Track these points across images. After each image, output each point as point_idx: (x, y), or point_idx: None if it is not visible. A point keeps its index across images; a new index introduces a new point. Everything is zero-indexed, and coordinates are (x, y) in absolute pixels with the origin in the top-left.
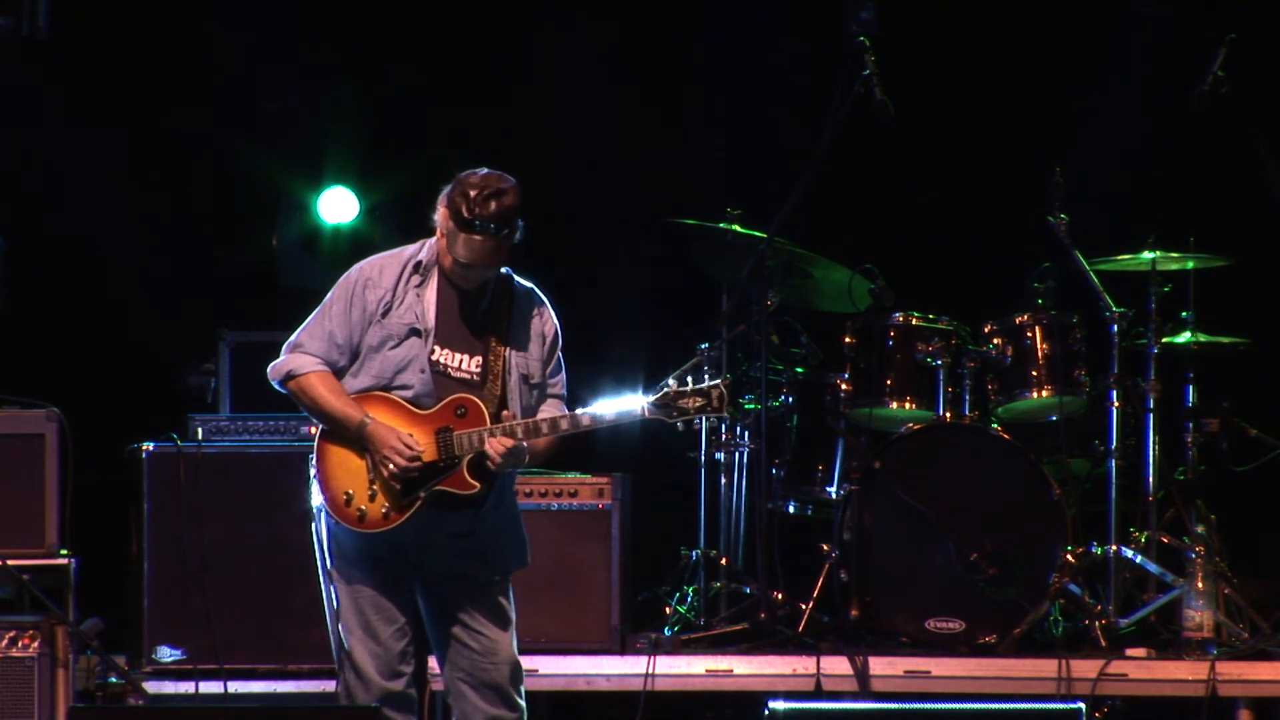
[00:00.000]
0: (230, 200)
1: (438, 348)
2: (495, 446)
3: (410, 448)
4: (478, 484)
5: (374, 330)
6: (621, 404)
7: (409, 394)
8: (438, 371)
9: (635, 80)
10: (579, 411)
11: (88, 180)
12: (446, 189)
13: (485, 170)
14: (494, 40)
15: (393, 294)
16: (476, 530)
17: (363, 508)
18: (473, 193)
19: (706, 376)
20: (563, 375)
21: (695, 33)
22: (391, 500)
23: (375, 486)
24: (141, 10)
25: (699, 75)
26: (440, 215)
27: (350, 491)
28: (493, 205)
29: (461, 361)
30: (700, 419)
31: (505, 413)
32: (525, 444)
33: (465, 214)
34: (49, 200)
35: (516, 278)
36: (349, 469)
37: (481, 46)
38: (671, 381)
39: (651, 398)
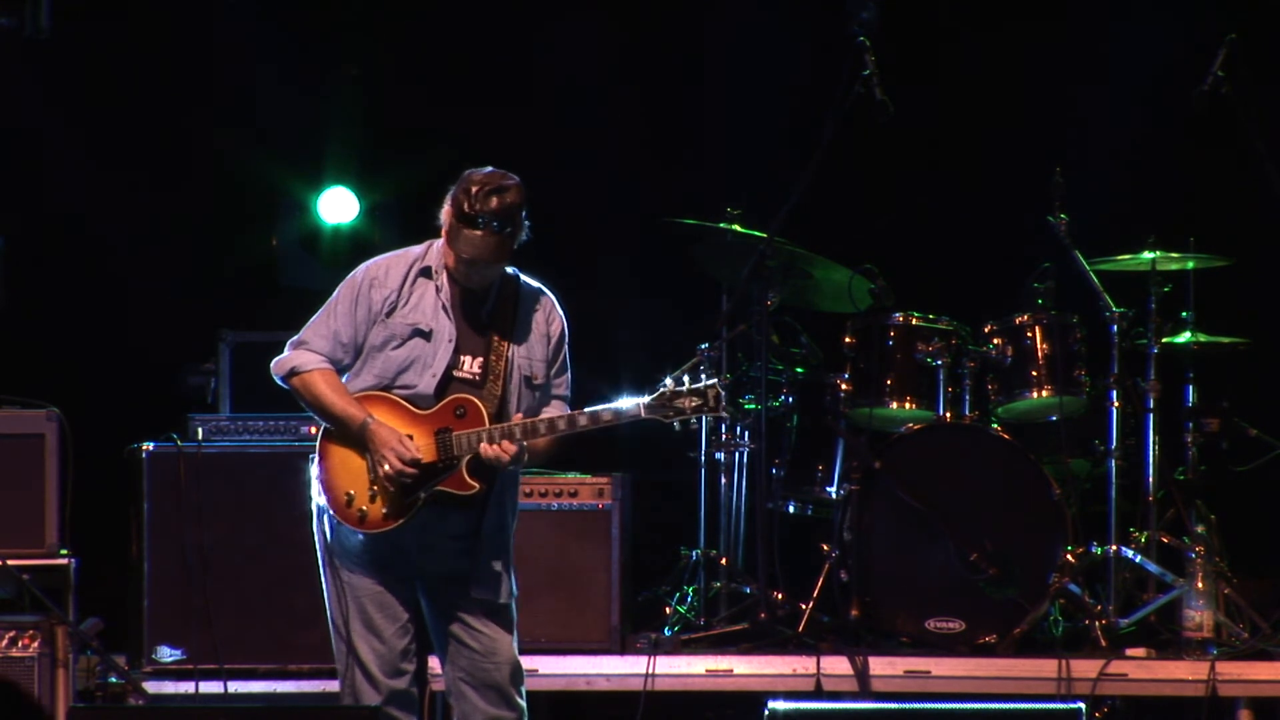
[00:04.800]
0: (230, 200)
1: (463, 356)
2: (491, 451)
3: (408, 450)
4: (477, 484)
5: (378, 329)
6: (618, 404)
7: (409, 393)
8: (446, 374)
9: (636, 80)
10: (576, 412)
11: (88, 180)
12: (452, 187)
13: (490, 168)
14: (494, 40)
15: (398, 294)
16: (480, 532)
17: (364, 508)
18: (474, 189)
19: (704, 376)
20: (568, 376)
21: (695, 32)
22: (392, 501)
23: (376, 487)
24: (142, 10)
25: (699, 75)
26: (445, 212)
27: (351, 492)
28: (494, 201)
29: (464, 361)
30: (697, 419)
31: (516, 415)
32: (525, 444)
33: (466, 209)
34: (49, 200)
35: (524, 277)
36: (350, 469)
37: (482, 46)
38: (668, 381)
39: (648, 398)
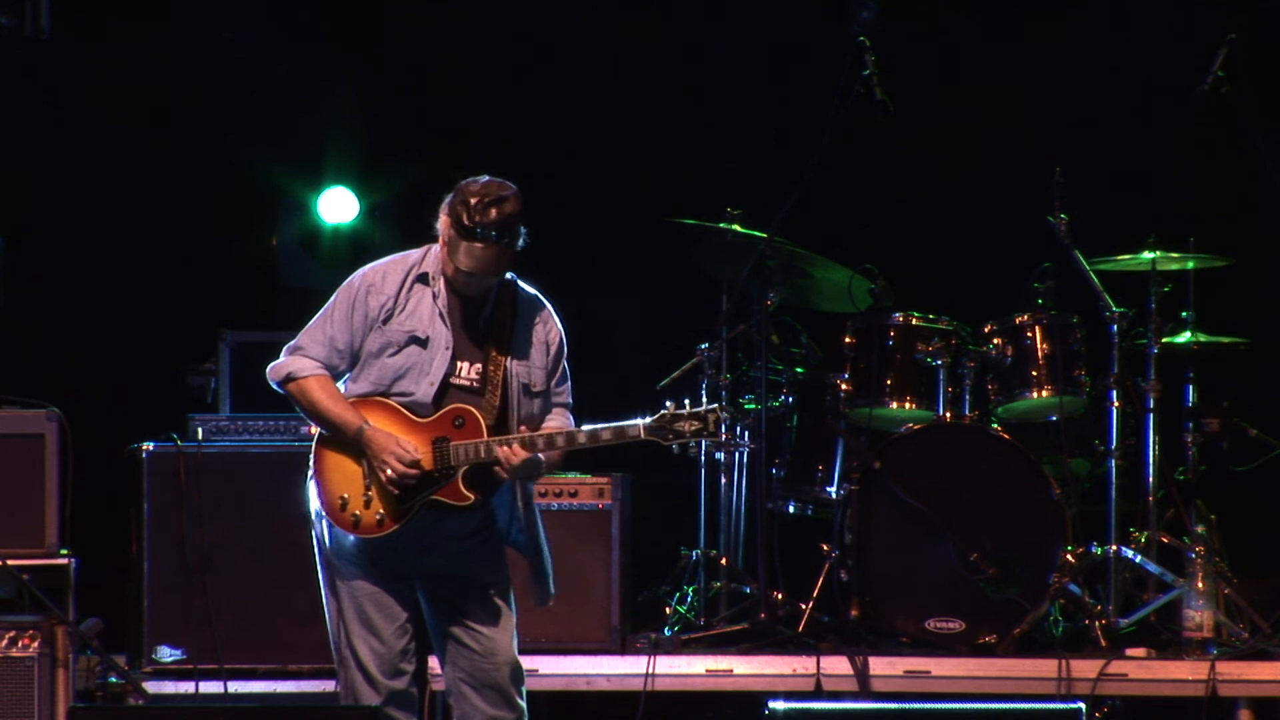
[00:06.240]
0: (230, 200)
1: (460, 363)
2: (509, 454)
3: (408, 452)
4: (472, 495)
5: (374, 336)
6: (619, 424)
7: (407, 400)
8: (443, 382)
9: (636, 80)
10: (576, 430)
11: (88, 180)
12: (448, 197)
13: (486, 178)
14: (494, 40)
15: (395, 300)
16: (489, 534)
17: (358, 513)
18: (473, 200)
19: (704, 392)
20: (569, 384)
21: (695, 32)
22: (387, 507)
23: (371, 493)
24: (142, 11)
25: (699, 75)
26: (442, 223)
27: (346, 496)
28: (493, 212)
29: (462, 369)
30: (696, 442)
31: (522, 429)
32: (541, 457)
33: (466, 222)
34: (49, 200)
35: (521, 284)
36: (345, 474)
37: (481, 46)
38: (669, 404)
39: (648, 420)
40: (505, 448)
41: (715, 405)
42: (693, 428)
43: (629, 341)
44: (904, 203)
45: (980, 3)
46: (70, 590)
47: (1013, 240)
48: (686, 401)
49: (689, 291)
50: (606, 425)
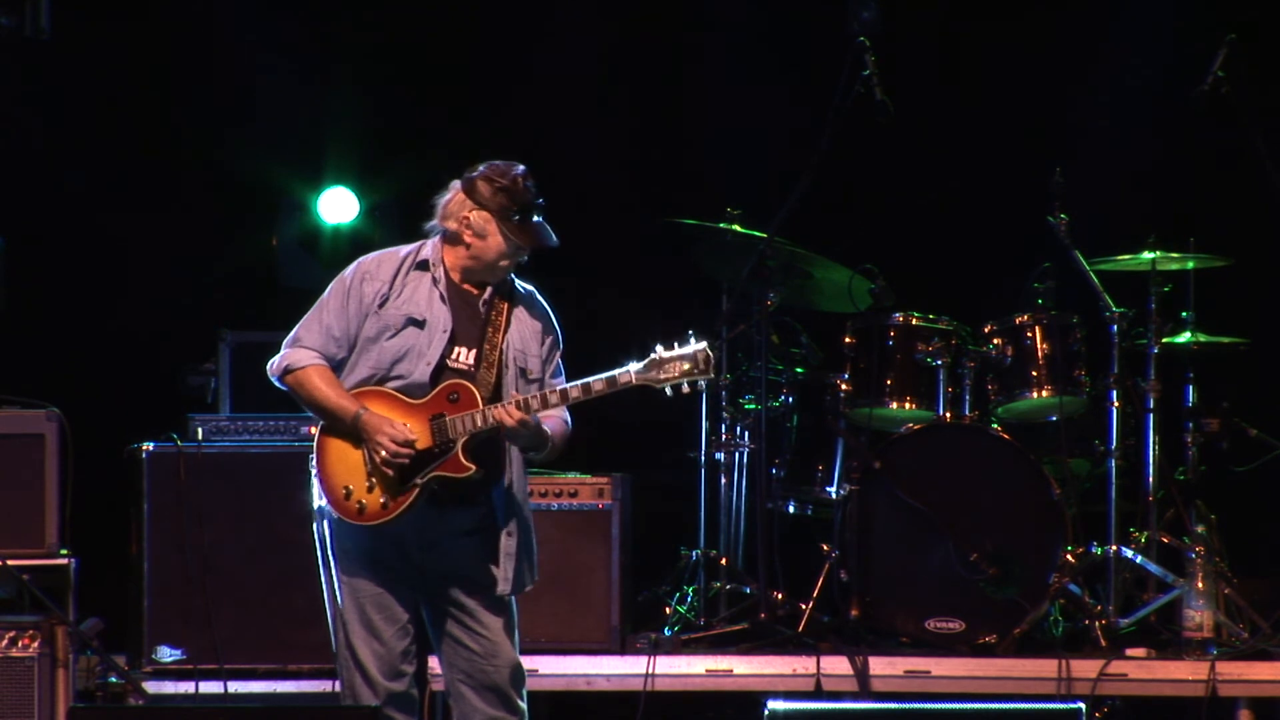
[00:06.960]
0: (230, 200)
1: (457, 348)
2: (503, 414)
3: (401, 432)
4: (473, 466)
5: (371, 322)
6: (610, 373)
7: (403, 384)
8: (440, 363)
9: (635, 79)
10: (569, 385)
11: (88, 180)
12: (457, 194)
13: (485, 165)
14: (494, 39)
15: (390, 286)
16: (491, 532)
17: (362, 500)
18: (514, 183)
19: (692, 339)
20: (562, 379)
21: (695, 32)
22: (389, 490)
23: (373, 478)
24: (142, 10)
25: (699, 74)
26: (477, 217)
27: (349, 485)
28: (531, 182)
29: (459, 354)
30: (690, 383)
31: (514, 394)
32: (536, 418)
33: (521, 203)
34: (49, 200)
35: (517, 280)
36: (347, 463)
37: (482, 45)
38: (659, 348)
39: (638, 365)
40: (500, 409)
41: (704, 344)
42: (684, 368)
43: (628, 341)
44: (904, 203)
45: (980, 3)
46: (70, 590)
47: (1013, 240)
48: (675, 344)
49: (689, 291)
50: (598, 376)
